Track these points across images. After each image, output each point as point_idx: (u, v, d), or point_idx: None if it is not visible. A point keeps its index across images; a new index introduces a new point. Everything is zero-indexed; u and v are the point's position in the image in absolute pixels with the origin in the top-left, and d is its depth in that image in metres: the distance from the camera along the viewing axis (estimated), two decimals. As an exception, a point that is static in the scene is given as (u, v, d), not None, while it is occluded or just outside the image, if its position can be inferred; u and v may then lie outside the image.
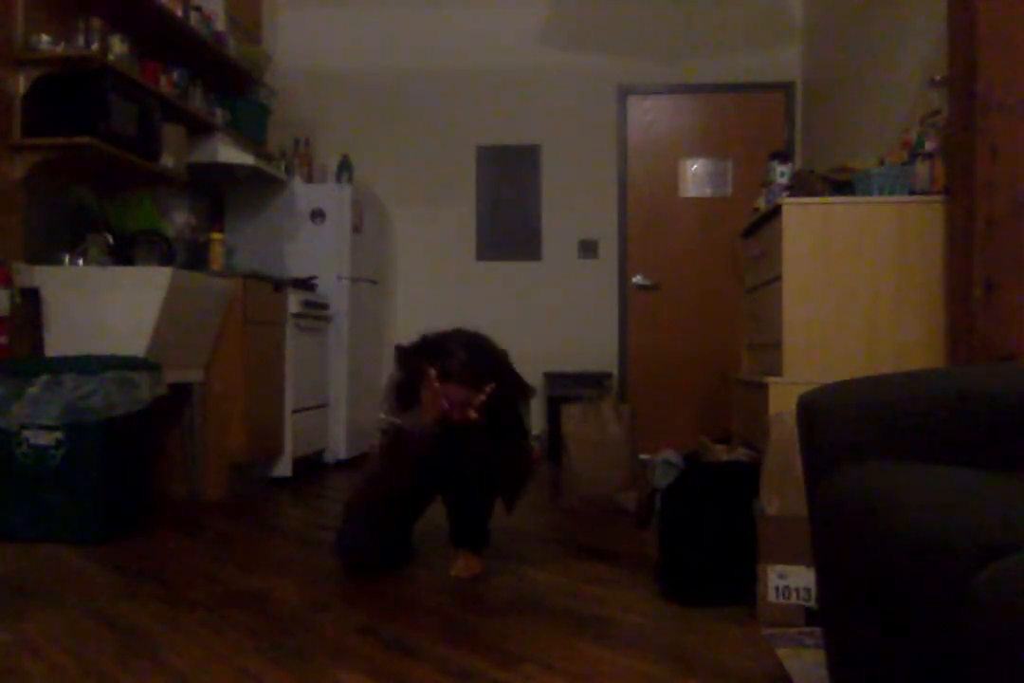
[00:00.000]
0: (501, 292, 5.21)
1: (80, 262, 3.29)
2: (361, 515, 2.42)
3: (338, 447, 4.55)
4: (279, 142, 4.93)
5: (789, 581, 1.94)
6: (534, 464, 2.70)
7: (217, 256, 3.87)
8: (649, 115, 5.21)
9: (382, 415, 2.37)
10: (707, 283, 5.07)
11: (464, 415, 2.24)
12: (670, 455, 3.08)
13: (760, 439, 2.47)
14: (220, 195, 4.75)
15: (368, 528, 2.40)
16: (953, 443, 1.28)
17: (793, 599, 1.94)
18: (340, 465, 4.53)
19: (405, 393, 2.35)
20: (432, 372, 2.22)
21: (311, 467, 4.35)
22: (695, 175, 5.16)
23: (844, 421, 1.32)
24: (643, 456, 3.58)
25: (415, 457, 2.28)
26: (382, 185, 5.19)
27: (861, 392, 1.36)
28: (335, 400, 4.55)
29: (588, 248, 5.20)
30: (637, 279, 5.15)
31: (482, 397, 2.24)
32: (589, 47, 5.20)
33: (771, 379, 2.87)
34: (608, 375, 4.93)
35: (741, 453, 2.59)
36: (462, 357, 2.25)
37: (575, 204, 5.20)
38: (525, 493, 2.53)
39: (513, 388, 2.40)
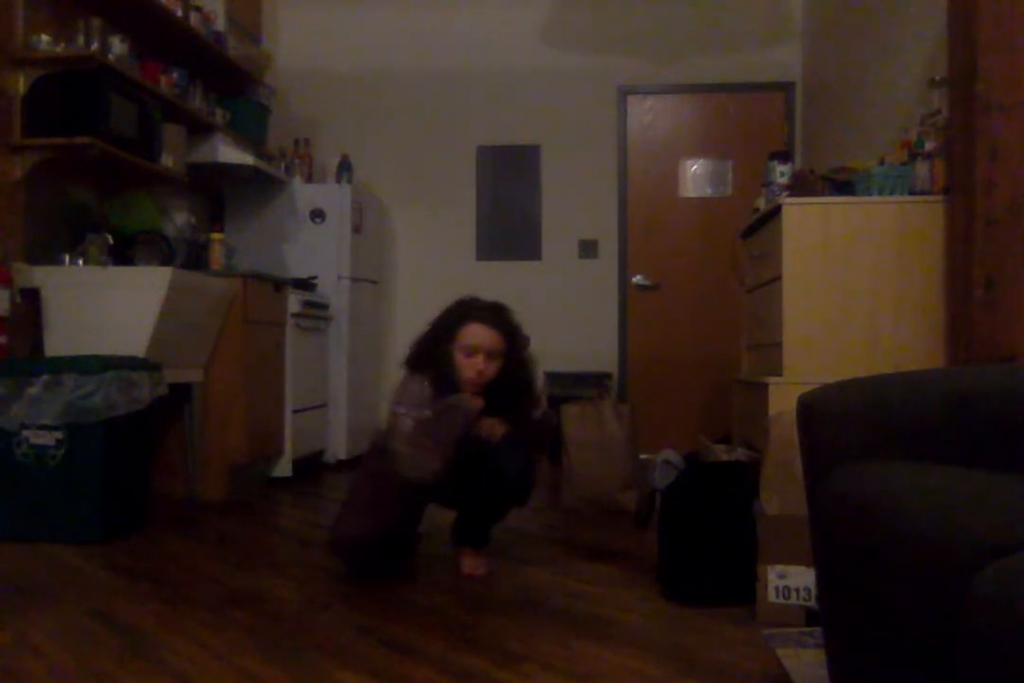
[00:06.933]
0: (501, 292, 5.09)
1: (80, 262, 3.28)
2: (363, 511, 2.37)
3: (338, 447, 4.55)
4: (279, 142, 4.93)
5: (789, 581, 1.94)
6: (551, 431, 2.71)
7: (217, 256, 3.87)
8: (649, 115, 5.21)
9: (401, 409, 2.30)
10: (707, 283, 5.07)
11: (484, 377, 2.30)
12: (670, 455, 3.09)
13: (760, 439, 2.47)
14: (220, 195, 4.75)
15: (369, 524, 2.35)
16: (953, 443, 1.28)
17: (793, 599, 1.94)
18: (340, 465, 4.53)
19: (440, 381, 2.33)
20: (459, 342, 2.35)
21: (311, 467, 4.35)
22: (695, 175, 5.16)
23: (844, 421, 1.31)
24: (643, 456, 3.58)
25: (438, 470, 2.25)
26: (382, 185, 5.19)
27: (861, 392, 1.36)
28: (335, 400, 4.55)
29: (588, 248, 5.20)
30: (637, 279, 5.15)
31: (496, 366, 2.32)
32: (589, 47, 5.20)
33: (771, 379, 2.87)
34: (608, 375, 4.92)
35: (741, 453, 2.59)
36: (479, 300, 2.52)
37: (575, 204, 5.20)
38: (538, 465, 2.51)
39: (523, 340, 2.49)
